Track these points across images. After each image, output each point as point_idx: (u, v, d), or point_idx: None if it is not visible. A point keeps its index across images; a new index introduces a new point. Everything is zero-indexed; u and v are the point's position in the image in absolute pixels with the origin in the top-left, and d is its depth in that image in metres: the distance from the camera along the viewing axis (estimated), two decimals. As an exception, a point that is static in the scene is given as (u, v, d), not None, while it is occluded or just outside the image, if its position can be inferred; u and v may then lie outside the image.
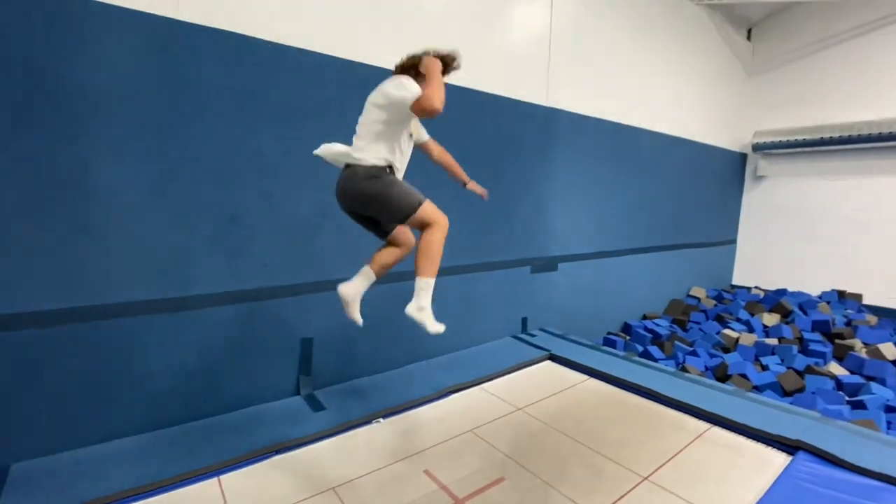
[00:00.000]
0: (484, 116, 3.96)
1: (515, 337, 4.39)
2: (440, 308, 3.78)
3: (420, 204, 1.84)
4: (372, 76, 3.12)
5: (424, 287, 1.88)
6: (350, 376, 3.29)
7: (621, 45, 5.23)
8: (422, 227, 1.87)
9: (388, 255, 2.14)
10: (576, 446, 2.58)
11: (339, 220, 3.10)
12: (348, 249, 3.20)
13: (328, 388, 3.15)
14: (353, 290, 2.12)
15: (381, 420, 2.81)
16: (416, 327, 3.61)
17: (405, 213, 1.84)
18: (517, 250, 4.45)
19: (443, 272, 3.77)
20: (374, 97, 1.90)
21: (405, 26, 3.39)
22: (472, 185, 2.49)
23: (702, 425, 2.82)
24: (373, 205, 1.89)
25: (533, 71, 4.34)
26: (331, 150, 1.99)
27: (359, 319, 2.16)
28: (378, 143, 1.88)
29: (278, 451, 2.46)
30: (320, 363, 3.14)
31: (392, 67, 2.09)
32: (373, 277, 2.12)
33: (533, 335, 4.44)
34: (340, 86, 3.07)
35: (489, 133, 4.03)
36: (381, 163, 1.90)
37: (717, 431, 2.75)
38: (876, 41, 6.44)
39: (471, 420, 2.86)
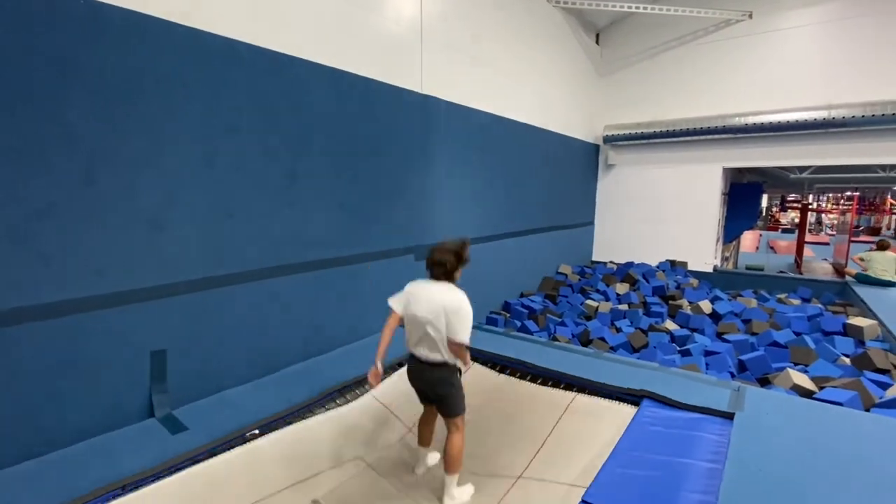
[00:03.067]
0: (361, 101, 3.83)
1: (403, 326, 4.38)
2: (322, 303, 3.64)
3: (464, 410, 2.32)
4: (223, 48, 2.84)
5: (453, 482, 2.29)
6: (218, 387, 2.94)
7: (488, 39, 5.48)
8: (453, 425, 2.28)
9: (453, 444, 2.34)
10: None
11: (195, 210, 2.77)
12: (205, 243, 2.85)
13: (191, 403, 2.77)
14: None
15: (256, 432, 2.53)
16: (297, 325, 3.43)
17: (457, 413, 2.28)
18: (400, 238, 4.43)
19: (324, 264, 3.63)
20: (450, 324, 2.15)
21: (268, 3, 3.09)
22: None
23: (568, 396, 3.09)
24: (446, 399, 2.27)
25: (407, 57, 4.31)
26: (424, 382, 2.32)
27: None
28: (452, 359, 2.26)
29: (125, 490, 2.04)
30: (179, 376, 2.75)
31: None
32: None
33: (420, 321, 4.48)
34: (185, 57, 2.67)
35: (368, 118, 3.91)
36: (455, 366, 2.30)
37: (581, 399, 3.05)
38: (693, 51, 7.76)
39: (360, 433, 2.75)
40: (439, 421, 2.41)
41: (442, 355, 2.20)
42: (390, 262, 4.28)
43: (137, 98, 2.49)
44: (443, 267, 2.20)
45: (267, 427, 2.60)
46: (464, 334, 2.16)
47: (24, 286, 2.19)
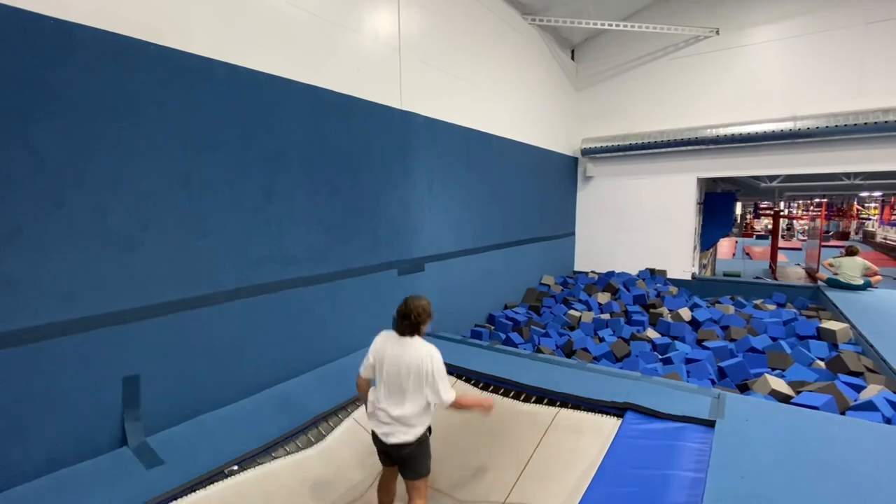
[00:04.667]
0: (339, 117, 3.83)
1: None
2: (306, 322, 3.58)
3: (428, 473, 2.27)
4: (198, 66, 2.81)
5: None
6: (195, 411, 2.85)
7: (466, 55, 5.57)
8: (416, 490, 2.23)
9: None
10: (441, 484, 2.58)
11: (168, 230, 2.71)
12: (179, 264, 2.78)
13: (167, 430, 2.67)
14: None
15: (236, 469, 2.44)
16: (276, 345, 3.36)
17: (422, 475, 2.24)
18: (383, 254, 4.41)
19: (302, 282, 3.58)
20: (426, 390, 2.14)
21: (245, 23, 3.08)
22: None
23: (551, 412, 3.08)
24: (411, 461, 2.21)
25: (386, 74, 4.35)
26: (388, 434, 2.20)
27: None
28: (425, 414, 2.21)
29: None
30: (154, 402, 2.65)
31: None
32: None
33: (404, 337, 4.44)
34: (157, 76, 2.64)
35: (345, 134, 3.91)
36: (426, 429, 2.25)
37: (565, 414, 3.04)
38: (664, 66, 8.02)
39: (342, 461, 2.69)
40: (402, 485, 2.32)
41: (413, 421, 2.15)
42: (371, 278, 4.25)
43: (108, 118, 2.44)
44: (412, 320, 2.20)
45: (250, 461, 2.51)
46: (445, 396, 2.15)
47: (-13, 314, 2.10)
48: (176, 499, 2.19)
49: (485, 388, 3.47)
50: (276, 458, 2.63)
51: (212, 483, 2.32)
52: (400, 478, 2.32)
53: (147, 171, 2.62)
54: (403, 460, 2.22)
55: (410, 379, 2.14)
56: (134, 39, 2.53)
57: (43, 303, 2.26)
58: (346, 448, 2.87)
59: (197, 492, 2.26)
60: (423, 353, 2.16)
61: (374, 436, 2.27)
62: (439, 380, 2.15)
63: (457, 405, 2.23)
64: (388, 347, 2.22)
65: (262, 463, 2.56)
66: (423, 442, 2.22)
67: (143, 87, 2.58)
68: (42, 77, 2.22)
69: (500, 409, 3.22)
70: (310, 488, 2.54)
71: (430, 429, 2.28)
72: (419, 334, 2.24)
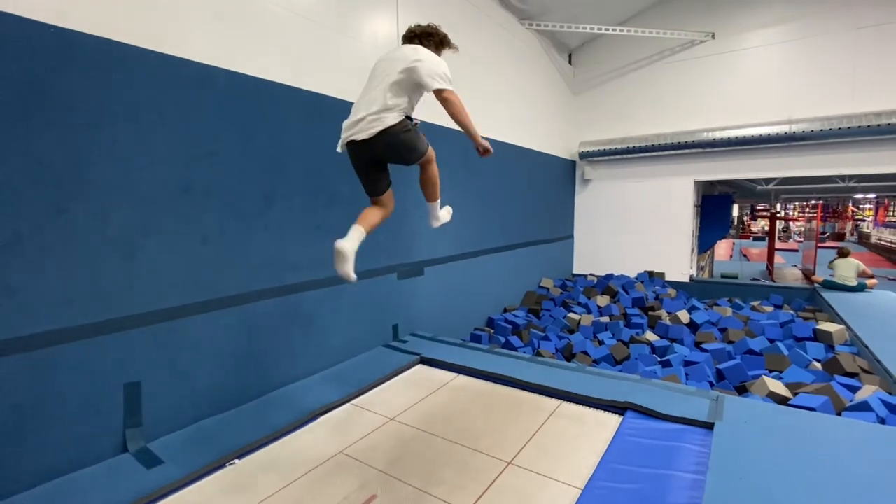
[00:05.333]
0: (339, 122, 3.84)
1: (387, 345, 4.36)
2: (307, 326, 3.58)
3: (428, 146, 2.20)
4: (198, 73, 2.84)
5: (436, 207, 2.48)
6: (196, 417, 2.85)
7: (464, 60, 5.60)
8: (425, 162, 2.21)
9: (375, 214, 2.29)
10: (446, 445, 2.65)
11: (169, 237, 2.72)
12: (180, 270, 2.79)
13: (167, 436, 2.68)
14: (350, 244, 2.17)
15: (235, 461, 2.49)
16: (276, 350, 3.37)
17: (422, 153, 2.15)
18: (383, 257, 4.42)
19: (306, 287, 3.59)
20: (405, 72, 2.01)
21: (245, 29, 3.10)
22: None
23: (554, 403, 3.15)
24: (403, 150, 2.09)
25: (384, 79, 4.36)
26: (353, 123, 2.09)
27: (353, 276, 2.22)
28: (400, 97, 2.05)
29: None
30: (154, 408, 2.66)
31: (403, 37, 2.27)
32: (364, 234, 2.24)
33: (404, 341, 4.46)
34: (158, 83, 2.66)
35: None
36: (406, 114, 2.10)
37: (566, 406, 3.11)
38: (661, 70, 8.08)
39: (340, 441, 2.72)
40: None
41: (385, 109, 1.97)
42: (371, 283, 4.26)
43: (109, 125, 2.46)
44: (424, 37, 2.13)
45: (247, 453, 2.56)
46: (437, 80, 1.98)
47: (-11, 321, 2.10)
48: (176, 491, 2.24)
49: (484, 382, 3.51)
50: (274, 442, 2.70)
51: (209, 474, 2.38)
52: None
53: (148, 177, 2.64)
54: (392, 152, 2.09)
55: (393, 67, 2.01)
56: (134, 47, 2.55)
57: (43, 310, 2.26)
58: (345, 428, 2.91)
59: (196, 482, 2.31)
60: (420, 49, 2.05)
61: (350, 148, 2.14)
62: (431, 67, 1.99)
63: (452, 99, 2.02)
64: (381, 58, 2.17)
65: (260, 449, 2.62)
66: (406, 127, 2.07)
67: (143, 94, 2.60)
68: (43, 84, 2.23)
69: (500, 395, 3.29)
70: (310, 469, 2.54)
71: (409, 118, 2.10)
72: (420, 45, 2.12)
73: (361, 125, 2.05)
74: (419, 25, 2.24)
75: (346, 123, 2.16)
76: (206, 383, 2.94)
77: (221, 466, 2.43)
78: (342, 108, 3.90)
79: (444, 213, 2.57)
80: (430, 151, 2.25)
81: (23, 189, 2.18)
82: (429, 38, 2.19)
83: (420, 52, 2.09)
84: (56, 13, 2.26)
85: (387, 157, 2.17)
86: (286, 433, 2.79)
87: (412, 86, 2.09)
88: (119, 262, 2.52)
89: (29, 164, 2.20)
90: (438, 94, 2.04)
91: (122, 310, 2.53)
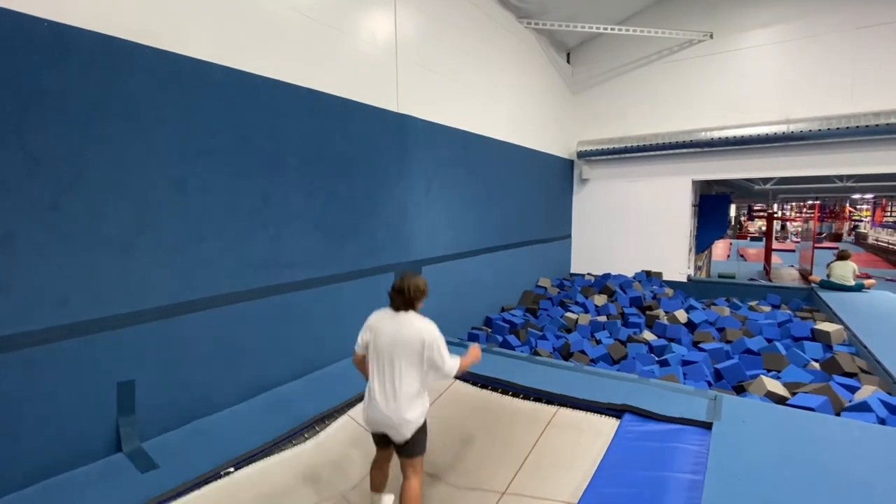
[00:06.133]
0: (336, 120, 3.83)
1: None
2: (303, 326, 3.56)
3: (424, 451, 2.21)
4: (194, 70, 2.81)
5: None
6: (191, 416, 2.83)
7: (463, 59, 5.59)
8: (411, 467, 2.16)
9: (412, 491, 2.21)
10: (440, 489, 2.54)
11: (165, 234, 2.70)
12: (176, 268, 2.77)
13: (162, 435, 2.66)
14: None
15: (232, 470, 2.43)
16: (272, 349, 3.34)
17: (418, 454, 2.17)
18: (381, 257, 4.40)
19: (303, 285, 3.57)
20: (424, 366, 2.10)
21: (243, 26, 3.08)
22: None
23: (551, 410, 3.08)
24: (410, 444, 2.13)
25: (382, 77, 4.35)
26: (383, 423, 2.13)
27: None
28: (422, 397, 2.17)
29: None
30: (149, 407, 2.63)
31: None
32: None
33: (401, 340, 4.43)
34: (154, 79, 2.63)
35: (342, 138, 3.91)
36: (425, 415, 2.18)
37: (563, 413, 3.05)
38: (659, 69, 8.07)
39: (337, 455, 2.69)
40: (395, 465, 2.26)
41: (408, 411, 2.07)
42: (369, 281, 4.24)
43: (104, 121, 2.43)
44: (406, 296, 2.15)
45: (244, 462, 2.50)
46: (449, 365, 2.11)
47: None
48: (171, 500, 2.18)
49: (483, 388, 3.47)
50: (271, 454, 2.62)
51: (207, 483, 2.31)
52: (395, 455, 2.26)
53: (143, 174, 2.61)
54: (404, 442, 2.17)
55: (405, 353, 2.07)
56: (130, 42, 2.53)
57: (37, 307, 2.24)
58: (340, 441, 2.87)
59: (192, 492, 2.25)
60: (418, 325, 2.11)
61: (368, 419, 2.21)
62: (439, 349, 2.08)
63: (460, 372, 2.15)
64: (382, 323, 2.17)
65: (257, 461, 2.55)
66: (424, 425, 2.17)
67: (139, 90, 2.57)
68: (37, 80, 2.20)
69: (498, 406, 3.24)
70: (305, 482, 2.52)
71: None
72: (414, 310, 2.18)
73: (399, 430, 2.10)
74: (411, 282, 2.18)
75: (371, 412, 2.15)
76: (201, 382, 2.91)
77: (217, 476, 2.38)
78: (341, 106, 3.91)
79: None
80: (422, 462, 2.22)
81: (16, 185, 2.16)
82: (419, 301, 2.21)
83: (433, 334, 2.12)
84: (51, 8, 2.24)
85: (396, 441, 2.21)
86: (277, 443, 2.71)
87: (426, 371, 2.15)
88: (113, 260, 2.49)
89: (22, 160, 2.17)
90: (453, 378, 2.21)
91: (116, 308, 2.51)
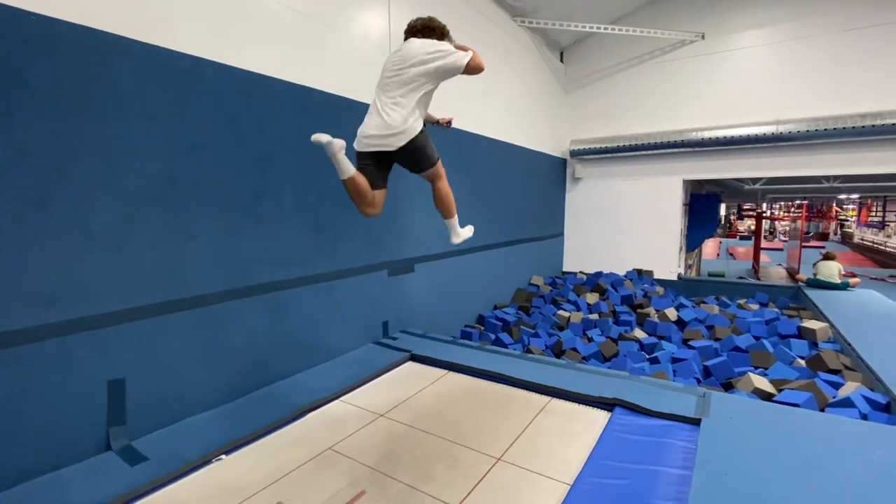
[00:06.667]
0: (329, 117, 3.81)
1: (377, 342, 4.34)
2: (296, 324, 3.55)
3: (438, 159, 2.24)
4: (185, 65, 2.78)
5: (454, 224, 2.50)
6: (181, 415, 2.81)
7: (458, 56, 5.58)
8: (434, 177, 2.26)
9: (365, 191, 2.21)
10: (436, 441, 2.65)
11: (156, 231, 2.68)
12: (167, 266, 2.75)
13: (152, 433, 2.64)
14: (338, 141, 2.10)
15: (223, 457, 2.46)
16: (264, 347, 3.33)
17: (433, 161, 2.20)
18: (373, 254, 4.40)
19: (295, 283, 3.56)
20: (422, 67, 2.05)
21: (234, 21, 3.05)
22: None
23: (543, 399, 3.17)
24: (418, 156, 2.15)
25: (376, 75, 4.31)
26: (369, 135, 2.11)
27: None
28: (419, 109, 2.12)
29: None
30: (139, 406, 2.61)
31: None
32: (349, 168, 2.15)
33: (395, 338, 4.45)
34: (144, 74, 2.60)
35: (334, 133, 3.87)
36: (422, 125, 2.14)
37: (556, 403, 3.12)
38: (652, 69, 8.13)
39: (329, 437, 2.71)
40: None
41: (410, 116, 2.04)
42: (362, 279, 4.24)
43: (93, 116, 2.40)
44: (426, 31, 2.18)
45: (235, 448, 2.54)
46: (460, 57, 2.06)
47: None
48: (162, 487, 2.21)
49: (475, 378, 3.51)
50: (261, 439, 2.68)
51: (195, 470, 2.35)
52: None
53: (133, 170, 2.58)
54: (408, 157, 2.15)
55: (410, 62, 2.07)
56: (120, 37, 2.49)
57: (24, 305, 2.21)
58: (334, 424, 2.90)
59: (182, 478, 2.28)
60: (421, 41, 2.11)
61: (359, 153, 2.18)
62: (443, 51, 2.06)
63: (474, 63, 2.10)
64: (388, 60, 2.18)
65: (248, 444, 2.60)
66: (424, 135, 2.14)
67: (128, 85, 2.54)
68: (25, 74, 2.17)
69: (491, 392, 3.31)
70: (298, 465, 2.53)
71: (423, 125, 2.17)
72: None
73: (391, 139, 2.07)
74: (419, 19, 2.26)
75: (367, 130, 2.14)
76: (193, 381, 2.90)
77: (208, 462, 2.41)
78: (333, 103, 3.89)
79: (466, 231, 2.60)
80: (440, 166, 2.28)
81: (2, 180, 2.12)
82: (430, 32, 2.22)
83: (429, 44, 2.13)
84: (39, 1, 2.20)
85: (401, 161, 2.20)
86: (275, 429, 2.78)
87: (430, 81, 2.13)
88: (103, 257, 2.47)
89: (9, 155, 2.14)
90: (468, 67, 2.10)
91: (106, 306, 2.48)
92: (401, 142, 2.08)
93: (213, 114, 2.96)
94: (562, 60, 8.85)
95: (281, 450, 2.58)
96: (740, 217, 32.55)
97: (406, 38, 2.25)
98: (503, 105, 6.72)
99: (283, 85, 3.41)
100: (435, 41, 2.16)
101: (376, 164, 2.21)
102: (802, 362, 4.37)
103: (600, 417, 2.88)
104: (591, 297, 6.96)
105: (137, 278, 2.61)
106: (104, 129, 2.45)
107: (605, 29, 7.45)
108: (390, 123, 2.07)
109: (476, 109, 6.00)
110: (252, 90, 3.19)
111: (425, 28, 2.24)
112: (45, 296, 2.27)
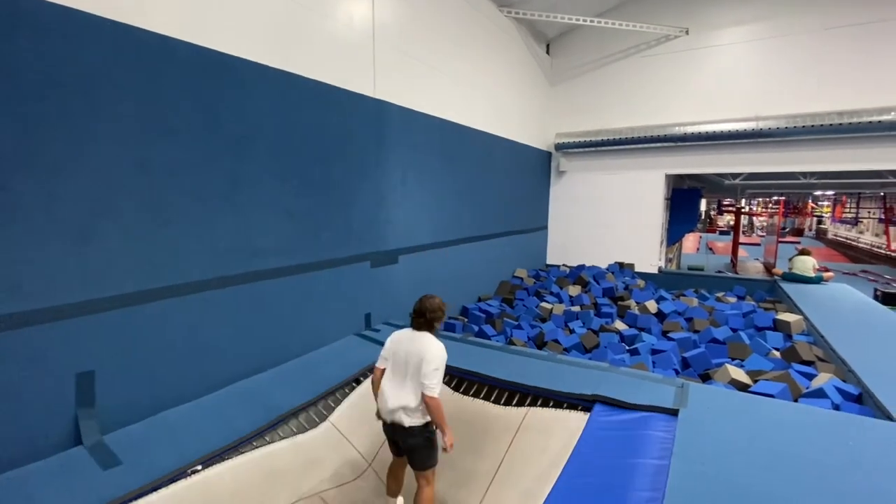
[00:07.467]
0: (310, 104, 3.71)
1: (359, 334, 4.29)
2: (274, 315, 3.47)
3: (435, 464, 2.40)
4: (158, 45, 2.66)
5: None
6: (156, 408, 2.73)
7: (441, 45, 5.50)
8: (424, 478, 2.37)
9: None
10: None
11: (127, 218, 2.57)
12: (139, 254, 2.65)
13: (125, 428, 2.54)
14: None
15: (199, 468, 2.34)
16: (241, 339, 3.25)
17: (428, 466, 2.37)
18: (356, 245, 4.33)
19: (270, 274, 3.47)
20: (421, 371, 2.27)
21: (209, 1, 2.93)
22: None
23: (521, 412, 3.05)
24: (421, 452, 2.35)
25: (359, 61, 4.24)
26: (394, 410, 2.32)
27: None
28: (422, 409, 2.32)
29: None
30: (111, 399, 2.53)
31: None
32: None
33: (377, 330, 4.40)
34: (113, 53, 2.48)
35: (317, 122, 3.80)
36: (428, 422, 2.35)
37: (534, 412, 3.02)
38: (636, 63, 8.16)
39: (318, 465, 2.65)
40: (409, 472, 2.44)
41: (415, 404, 2.27)
42: (343, 270, 4.18)
43: (58, 97, 2.28)
44: (426, 317, 2.38)
45: (218, 458, 2.42)
46: (431, 382, 2.24)
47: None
48: (136, 499, 2.08)
49: (458, 386, 3.44)
50: (242, 453, 2.55)
51: (174, 482, 2.22)
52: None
53: (102, 154, 2.47)
54: (410, 451, 2.36)
55: (411, 365, 2.30)
56: (87, 14, 2.37)
57: (-16, 294, 2.10)
58: (316, 444, 2.83)
59: (159, 491, 2.15)
60: (428, 344, 2.34)
61: (384, 423, 2.40)
62: (431, 369, 2.26)
63: (433, 404, 2.26)
64: (402, 341, 2.41)
65: (227, 458, 2.47)
66: (428, 436, 2.35)
67: (97, 64, 2.42)
68: (-19, 50, 2.04)
69: (471, 413, 3.19)
70: (278, 482, 2.48)
71: (434, 425, 2.36)
72: (431, 331, 2.41)
73: (401, 415, 2.31)
74: (430, 304, 2.41)
75: (381, 401, 2.39)
76: (165, 373, 2.81)
77: (184, 474, 2.28)
78: (315, 89, 3.79)
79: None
80: (433, 474, 2.40)
81: (-43, 163, 2.00)
82: (437, 321, 2.44)
83: (435, 357, 2.31)
84: (-7, -29, 2.07)
85: (407, 451, 2.40)
86: (248, 440, 2.62)
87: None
88: (69, 245, 2.36)
89: (-37, 136, 2.02)
90: (427, 397, 2.28)
91: (73, 296, 2.38)
92: (412, 422, 2.31)
93: (187, 96, 2.85)
94: (548, 52, 8.82)
95: (261, 461, 2.51)
96: (720, 212, 33.21)
97: (414, 322, 2.43)
98: (488, 96, 6.67)
99: (262, 69, 3.30)
100: (431, 355, 2.31)
101: (396, 443, 2.46)
102: (777, 354, 4.47)
103: (579, 419, 2.83)
104: (574, 290, 7.01)
105: (106, 267, 2.51)
106: (70, 109, 2.33)
107: (591, 21, 7.43)
108: (405, 407, 2.32)
109: (461, 100, 5.93)
110: (229, 73, 3.08)
111: (435, 319, 2.43)
112: (7, 284, 2.16)
